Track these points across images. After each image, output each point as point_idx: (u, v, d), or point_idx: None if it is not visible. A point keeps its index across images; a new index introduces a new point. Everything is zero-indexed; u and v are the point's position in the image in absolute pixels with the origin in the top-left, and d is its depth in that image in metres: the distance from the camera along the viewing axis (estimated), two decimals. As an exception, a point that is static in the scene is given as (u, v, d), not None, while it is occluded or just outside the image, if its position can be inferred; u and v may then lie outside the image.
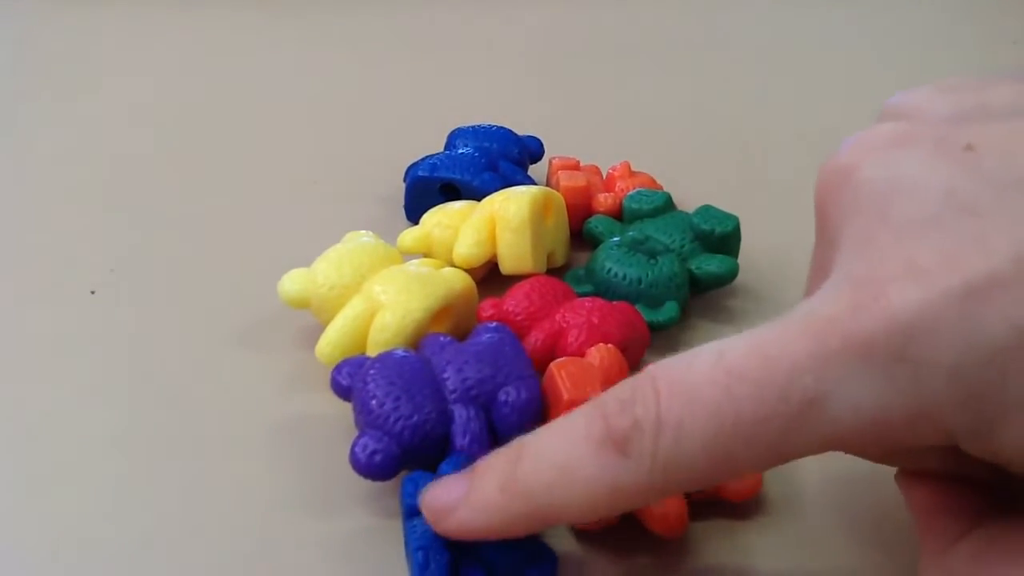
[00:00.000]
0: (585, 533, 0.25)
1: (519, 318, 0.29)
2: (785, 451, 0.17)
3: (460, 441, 0.25)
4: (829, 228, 0.19)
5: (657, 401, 0.18)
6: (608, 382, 0.25)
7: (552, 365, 0.26)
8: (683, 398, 0.17)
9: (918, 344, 0.16)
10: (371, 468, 0.24)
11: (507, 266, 0.33)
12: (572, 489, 0.19)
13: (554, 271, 0.34)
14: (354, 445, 0.25)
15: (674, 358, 0.18)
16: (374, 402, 0.25)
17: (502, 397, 0.26)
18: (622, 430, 0.18)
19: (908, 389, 0.16)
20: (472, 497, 0.21)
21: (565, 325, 0.29)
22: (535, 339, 0.29)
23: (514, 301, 0.30)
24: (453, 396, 0.26)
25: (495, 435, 0.26)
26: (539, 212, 0.33)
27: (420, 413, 0.25)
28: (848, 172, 0.19)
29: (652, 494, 0.19)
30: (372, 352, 0.29)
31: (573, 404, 0.25)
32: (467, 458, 0.25)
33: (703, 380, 0.17)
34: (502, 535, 0.21)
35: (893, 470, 0.28)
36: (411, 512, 0.23)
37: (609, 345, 0.27)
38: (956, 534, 0.19)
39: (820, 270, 0.20)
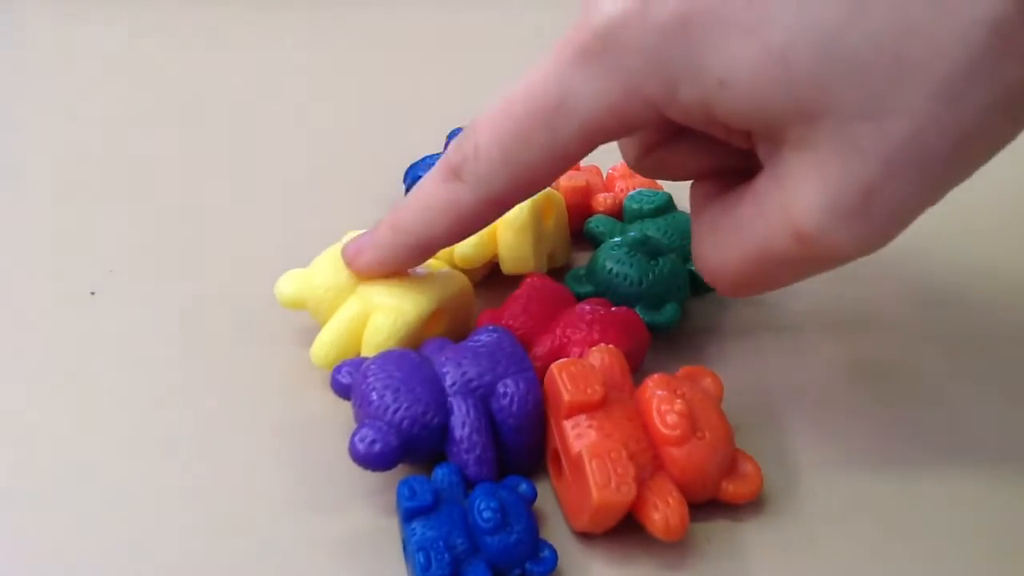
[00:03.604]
0: (586, 534, 0.25)
1: (519, 332, 0.29)
2: (558, 148, 0.23)
3: (459, 432, 0.25)
4: None
5: (476, 136, 0.25)
6: (609, 383, 0.26)
7: (553, 366, 0.26)
8: (486, 128, 0.24)
9: (616, 38, 0.21)
10: (370, 458, 0.24)
11: (508, 266, 0.33)
12: (433, 216, 0.26)
13: (554, 271, 0.34)
14: (353, 436, 0.25)
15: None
16: (374, 394, 0.25)
17: (501, 389, 0.26)
18: (456, 163, 0.25)
19: (617, 75, 0.22)
20: (372, 238, 0.28)
21: (566, 340, 0.29)
22: (535, 356, 0.29)
23: (512, 315, 0.30)
24: (452, 389, 0.26)
25: (494, 427, 0.26)
26: (540, 212, 0.33)
27: (419, 404, 0.25)
28: None
29: (486, 208, 0.26)
30: (367, 354, 0.29)
31: (574, 405, 0.25)
32: (459, 465, 0.25)
33: (497, 113, 0.24)
34: (396, 268, 0.29)
35: (891, 474, 0.28)
36: (408, 515, 0.23)
37: (610, 346, 0.27)
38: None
39: None
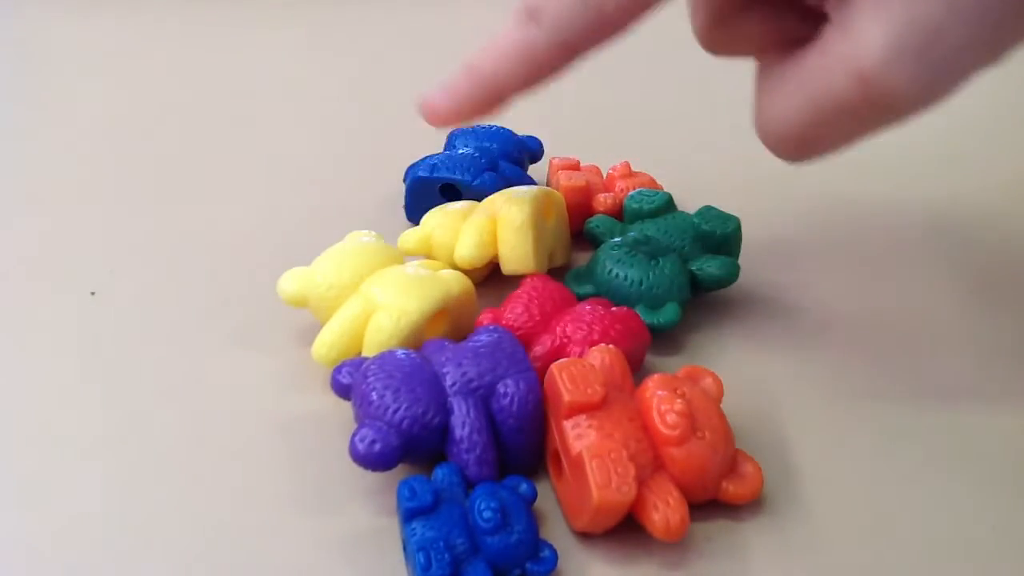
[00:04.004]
0: (586, 534, 0.25)
1: (519, 332, 0.29)
2: None
3: (459, 432, 0.25)
4: None
5: None
6: (609, 383, 0.26)
7: (553, 366, 0.26)
8: None
9: None
10: (370, 458, 0.24)
11: (509, 267, 0.33)
12: (509, 59, 0.26)
13: (554, 271, 0.34)
14: (353, 436, 0.25)
15: None
16: (374, 394, 0.26)
17: (501, 389, 0.26)
18: (532, 5, 0.25)
19: None
20: (446, 86, 0.29)
21: (566, 340, 0.29)
22: (535, 356, 0.29)
23: (513, 314, 0.30)
24: (452, 389, 0.26)
25: (494, 427, 0.26)
26: (540, 212, 0.33)
27: (419, 404, 0.25)
28: None
29: (559, 53, 0.26)
30: (368, 353, 0.29)
31: (574, 405, 0.25)
32: (459, 465, 0.25)
33: None
34: (468, 114, 0.29)
35: (890, 474, 0.28)
36: (408, 516, 0.23)
37: (610, 346, 0.27)
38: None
39: None
